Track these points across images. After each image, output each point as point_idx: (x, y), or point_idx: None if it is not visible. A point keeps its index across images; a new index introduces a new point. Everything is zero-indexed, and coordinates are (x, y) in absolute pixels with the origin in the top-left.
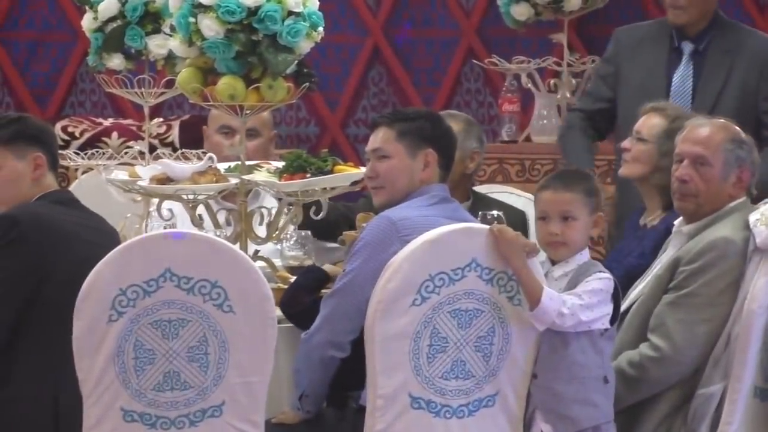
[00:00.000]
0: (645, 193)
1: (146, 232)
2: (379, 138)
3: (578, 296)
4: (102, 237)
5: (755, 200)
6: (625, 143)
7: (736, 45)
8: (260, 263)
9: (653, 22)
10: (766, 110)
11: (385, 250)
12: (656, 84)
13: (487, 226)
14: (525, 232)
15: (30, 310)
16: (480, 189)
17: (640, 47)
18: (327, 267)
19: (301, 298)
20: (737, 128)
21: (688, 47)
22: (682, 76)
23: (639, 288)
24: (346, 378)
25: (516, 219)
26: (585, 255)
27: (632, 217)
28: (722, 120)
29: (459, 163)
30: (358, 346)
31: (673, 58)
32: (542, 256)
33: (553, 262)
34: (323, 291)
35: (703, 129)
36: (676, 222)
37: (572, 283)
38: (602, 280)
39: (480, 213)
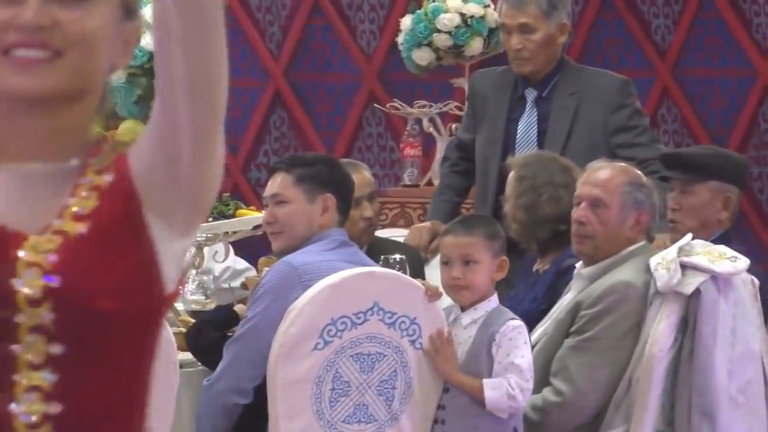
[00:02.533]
0: (524, 244)
1: None
2: (277, 183)
3: (515, 367)
4: None
5: None
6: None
7: (580, 86)
8: None
9: (503, 70)
10: (618, 144)
11: (287, 296)
12: (496, 132)
13: (390, 270)
14: (421, 270)
15: None
16: (382, 233)
17: (489, 94)
18: (237, 307)
19: (207, 332)
20: (638, 172)
21: (531, 94)
22: (527, 123)
23: (539, 332)
24: (249, 424)
25: (412, 257)
26: (494, 301)
27: (524, 265)
28: (623, 163)
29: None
30: (260, 391)
31: (516, 106)
32: (450, 301)
33: (462, 308)
34: (230, 331)
35: (602, 172)
36: (576, 265)
37: (483, 331)
38: (521, 333)
39: (382, 257)
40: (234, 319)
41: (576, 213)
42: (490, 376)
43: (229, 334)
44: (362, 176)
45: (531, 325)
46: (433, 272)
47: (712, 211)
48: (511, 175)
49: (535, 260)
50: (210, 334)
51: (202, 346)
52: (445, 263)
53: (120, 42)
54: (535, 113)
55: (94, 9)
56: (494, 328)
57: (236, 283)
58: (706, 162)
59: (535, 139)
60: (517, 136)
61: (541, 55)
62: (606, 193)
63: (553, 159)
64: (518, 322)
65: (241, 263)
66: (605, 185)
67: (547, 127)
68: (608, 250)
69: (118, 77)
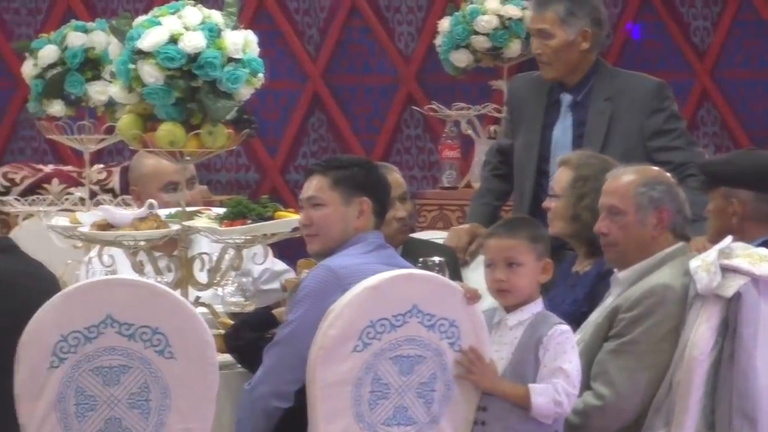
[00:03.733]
0: (573, 243)
1: (87, 278)
2: (313, 186)
3: (563, 372)
4: (41, 283)
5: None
6: (546, 202)
7: (616, 90)
8: (201, 309)
9: (539, 74)
10: (654, 148)
11: (327, 300)
12: (532, 137)
13: (429, 272)
14: (456, 269)
15: None
16: (420, 235)
17: (526, 99)
18: (276, 310)
19: (244, 333)
20: (654, 171)
21: (566, 99)
22: (562, 128)
23: (578, 336)
24: (289, 427)
25: (446, 257)
26: (539, 305)
27: (563, 266)
28: (637, 166)
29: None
30: (300, 394)
31: (551, 111)
32: (489, 304)
33: (507, 309)
34: (268, 333)
35: (616, 179)
36: (615, 269)
37: (530, 334)
38: (568, 338)
39: (421, 259)
40: (272, 321)
41: (597, 224)
42: (535, 379)
43: (268, 336)
44: (393, 178)
45: (572, 327)
46: (472, 275)
47: (725, 217)
48: (567, 174)
49: (573, 262)
50: (248, 335)
51: (240, 347)
52: (489, 266)
53: None
54: (571, 118)
55: None
56: (541, 332)
57: (275, 285)
58: (715, 170)
59: (571, 143)
60: (553, 141)
61: (559, 61)
62: (619, 199)
63: (611, 163)
64: (566, 327)
65: (280, 265)
66: (617, 191)
67: (584, 132)
68: (637, 253)
69: (157, 80)
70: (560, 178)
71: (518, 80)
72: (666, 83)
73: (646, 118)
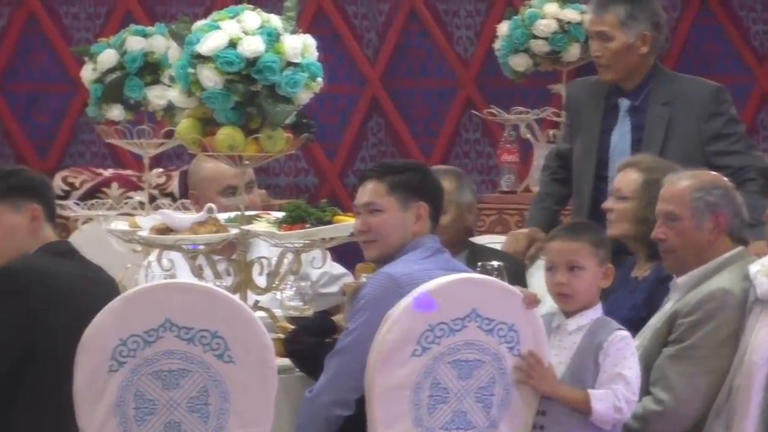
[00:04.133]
0: (633, 247)
1: (146, 282)
2: (369, 191)
3: (622, 378)
4: (100, 287)
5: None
6: (607, 203)
7: (674, 95)
8: (260, 313)
9: (597, 79)
10: (712, 153)
11: (387, 308)
12: (591, 141)
13: (487, 276)
14: (523, 281)
15: (29, 362)
16: (479, 240)
17: (584, 104)
18: (336, 317)
19: (304, 337)
20: (709, 175)
21: (624, 104)
22: (621, 133)
23: (637, 341)
24: None
25: (515, 269)
26: (598, 310)
27: (622, 271)
28: (693, 171)
29: (458, 219)
30: (360, 401)
31: (609, 116)
32: (555, 307)
33: (566, 313)
34: (328, 338)
35: (672, 185)
36: (675, 275)
37: (590, 339)
38: (628, 344)
39: (479, 264)
40: (332, 326)
41: (654, 231)
42: (594, 384)
43: (328, 341)
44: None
45: (631, 333)
46: (530, 280)
47: None
48: (637, 176)
49: (632, 267)
50: (307, 340)
51: (300, 351)
52: (550, 269)
53: None
54: (629, 123)
55: None
56: (601, 337)
57: (333, 289)
58: None
59: (629, 149)
60: (611, 146)
61: (618, 64)
62: (675, 205)
63: (675, 167)
64: (626, 333)
65: (338, 268)
66: (673, 197)
67: (641, 137)
68: (695, 258)
69: (216, 84)
70: (629, 179)
71: (576, 85)
72: (724, 87)
73: (704, 122)
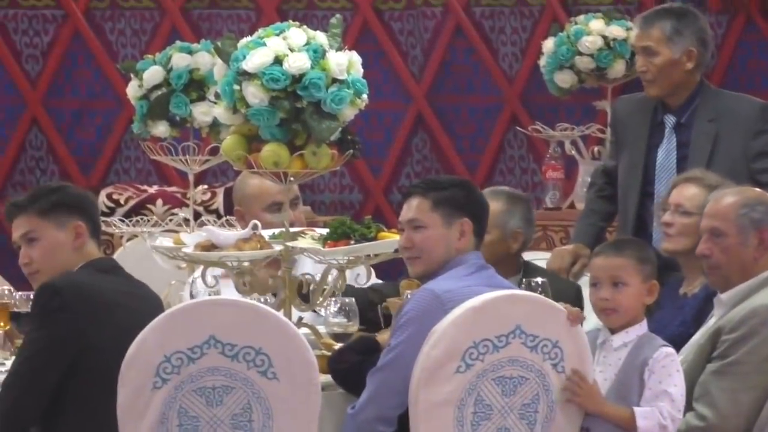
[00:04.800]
0: (686, 263)
1: (190, 298)
2: (413, 208)
3: (668, 396)
4: (145, 304)
5: None
6: (666, 218)
7: (720, 112)
8: (304, 330)
9: (643, 96)
10: (758, 170)
11: (430, 324)
12: (637, 158)
13: (532, 293)
14: (580, 305)
15: (73, 379)
16: (524, 256)
17: (629, 120)
18: (379, 337)
19: (348, 357)
20: (755, 191)
21: (670, 120)
22: (666, 150)
23: (681, 357)
24: None
25: (570, 292)
26: (644, 327)
27: (669, 288)
28: (739, 187)
29: (501, 243)
30: (403, 418)
31: (655, 132)
32: (599, 324)
33: (612, 330)
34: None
35: (717, 201)
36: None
37: (635, 356)
38: (673, 361)
39: (524, 280)
40: (376, 346)
41: (699, 247)
42: (639, 401)
43: (372, 359)
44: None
45: (679, 350)
46: None
47: None
48: (701, 192)
49: (679, 284)
50: (351, 358)
51: (343, 370)
52: (594, 284)
53: None
54: (675, 139)
55: None
56: (646, 354)
57: None
58: None
59: (675, 165)
60: (657, 163)
61: (663, 79)
62: (720, 221)
63: (733, 184)
64: (671, 350)
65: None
66: (718, 214)
67: (687, 154)
68: (740, 275)
69: (261, 101)
70: (691, 194)
71: (622, 102)
72: None
73: (751, 139)
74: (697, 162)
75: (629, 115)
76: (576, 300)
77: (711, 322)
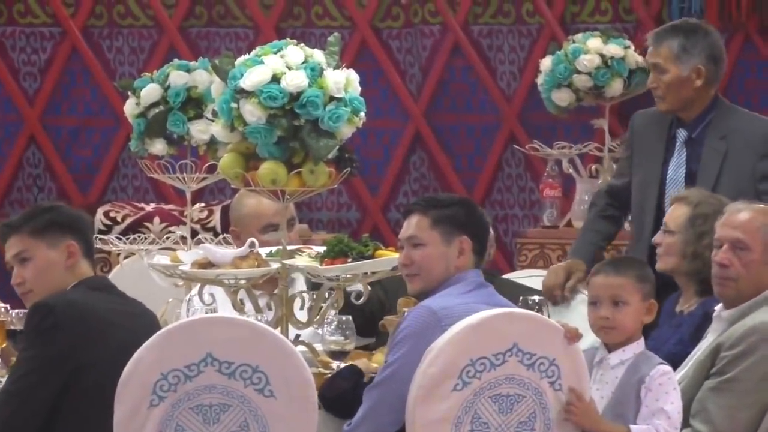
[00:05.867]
0: (680, 281)
1: (187, 316)
2: (413, 225)
3: (664, 413)
4: (139, 322)
5: None
6: (656, 238)
7: (732, 130)
8: (301, 348)
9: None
10: (764, 191)
11: (427, 340)
12: (653, 172)
13: (529, 311)
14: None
15: (67, 397)
16: (520, 274)
17: (646, 133)
18: (360, 363)
19: (339, 384)
20: None
21: (682, 135)
22: (676, 163)
23: (680, 374)
24: None
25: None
26: (641, 345)
27: (666, 305)
28: (762, 205)
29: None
30: None
31: (669, 146)
32: (597, 342)
33: (609, 348)
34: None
35: (742, 214)
36: (716, 307)
37: (631, 374)
38: (670, 379)
39: (521, 298)
40: (360, 371)
41: (718, 256)
42: (635, 419)
43: (362, 383)
44: None
45: (676, 368)
46: (571, 315)
47: None
48: (684, 210)
49: (676, 301)
50: (343, 384)
51: (334, 398)
52: (594, 303)
53: None
54: (684, 154)
55: None
56: (643, 372)
57: None
58: None
59: (683, 180)
60: (666, 177)
61: (672, 96)
62: (747, 234)
63: (725, 203)
64: (668, 368)
65: None
66: (746, 227)
67: (696, 169)
68: (752, 291)
69: (259, 119)
70: (676, 214)
71: (639, 116)
72: None
73: (758, 161)
74: (705, 178)
75: (646, 129)
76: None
77: (709, 339)
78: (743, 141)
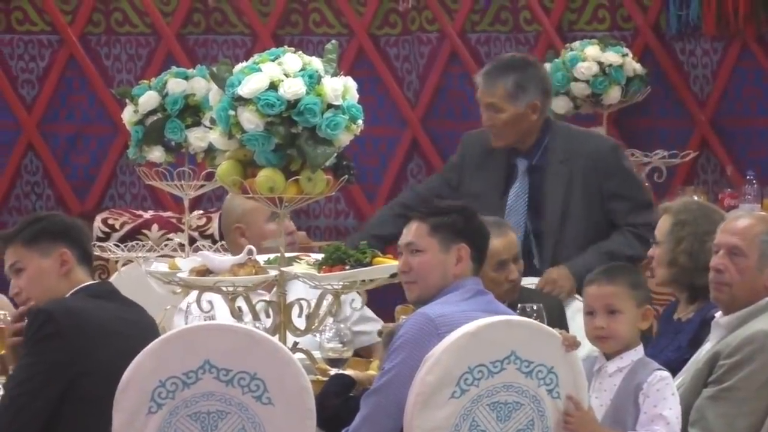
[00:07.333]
0: (674, 290)
1: (185, 324)
2: (412, 232)
3: (663, 419)
4: (138, 329)
5: None
6: (650, 251)
7: (572, 153)
8: (299, 355)
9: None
10: (612, 209)
11: (424, 348)
12: (491, 200)
13: (527, 319)
14: (562, 322)
15: (66, 404)
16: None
17: (483, 158)
18: (352, 372)
19: (330, 402)
20: None
21: (522, 164)
22: (517, 192)
23: (678, 381)
24: None
25: (552, 309)
26: (639, 352)
27: (665, 313)
28: (762, 213)
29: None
30: None
31: (509, 174)
32: (595, 350)
33: (607, 356)
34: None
35: (741, 220)
36: (716, 315)
37: (630, 381)
38: (668, 384)
39: (519, 306)
40: (351, 384)
41: (714, 261)
42: (634, 426)
43: (352, 395)
44: (509, 238)
45: (674, 375)
46: (569, 323)
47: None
48: (667, 220)
49: (674, 308)
50: (332, 403)
51: (328, 418)
52: (589, 313)
53: None
54: (527, 182)
55: None
56: (641, 378)
57: (364, 327)
58: None
59: (525, 208)
60: (507, 205)
61: (509, 132)
62: (744, 241)
63: (713, 210)
64: (666, 373)
65: (370, 312)
66: (743, 234)
67: (541, 197)
68: (746, 298)
69: (257, 126)
70: (661, 225)
71: (473, 138)
72: (619, 145)
73: (603, 180)
74: (553, 204)
75: (482, 152)
76: (559, 319)
77: (708, 346)
78: (584, 162)
